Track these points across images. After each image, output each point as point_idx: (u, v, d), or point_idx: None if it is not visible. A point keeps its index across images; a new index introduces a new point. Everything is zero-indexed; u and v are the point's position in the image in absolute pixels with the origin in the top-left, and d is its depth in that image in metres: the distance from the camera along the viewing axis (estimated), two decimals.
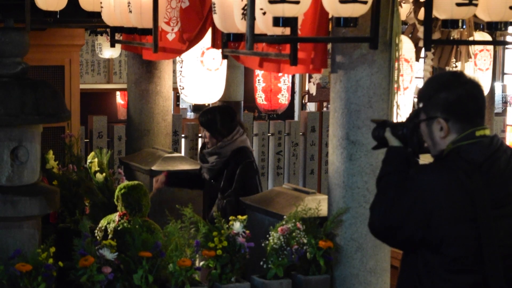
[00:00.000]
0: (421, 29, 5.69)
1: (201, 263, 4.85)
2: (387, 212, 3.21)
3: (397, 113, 4.88)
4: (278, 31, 4.32)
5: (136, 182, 5.39)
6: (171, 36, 6.21)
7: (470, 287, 3.15)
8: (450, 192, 3.12)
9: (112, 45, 6.83)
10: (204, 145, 6.18)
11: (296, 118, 14.67)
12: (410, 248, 3.25)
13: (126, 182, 5.40)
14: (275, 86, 11.09)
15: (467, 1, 4.39)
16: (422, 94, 3.25)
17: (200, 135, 9.70)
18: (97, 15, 6.32)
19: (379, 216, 3.25)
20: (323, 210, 5.11)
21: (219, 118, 5.99)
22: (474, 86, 3.19)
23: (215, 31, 6.09)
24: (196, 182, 6.37)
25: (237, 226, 4.83)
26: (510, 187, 3.19)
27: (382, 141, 3.45)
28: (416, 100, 3.28)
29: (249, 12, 4.24)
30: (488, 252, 3.11)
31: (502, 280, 3.14)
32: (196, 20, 6.02)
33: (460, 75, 3.23)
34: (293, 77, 13.91)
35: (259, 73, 10.97)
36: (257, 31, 4.34)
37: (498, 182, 3.16)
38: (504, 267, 3.15)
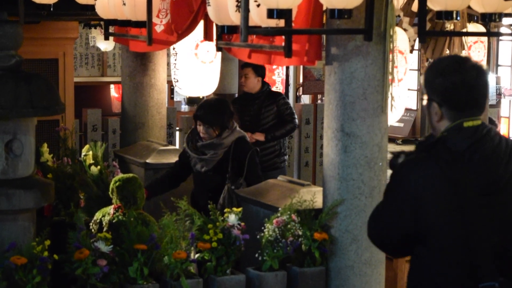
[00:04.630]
0: (405, 19, 5.68)
1: (196, 255, 4.85)
2: (378, 216, 3.25)
3: (391, 105, 4.88)
4: (272, 23, 4.32)
5: (131, 175, 5.39)
6: (159, 28, 6.21)
7: (459, 278, 3.14)
8: (434, 185, 3.11)
9: (106, 38, 6.82)
10: (192, 138, 6.11)
11: None
12: (409, 249, 3.24)
13: (121, 175, 5.39)
14: (270, 79, 11.08)
15: None
16: (425, 76, 3.24)
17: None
18: (91, 8, 6.31)
19: (372, 222, 3.27)
20: (318, 202, 5.11)
21: (224, 111, 5.99)
22: (472, 75, 3.13)
23: (207, 23, 6.08)
24: (176, 181, 6.37)
25: (232, 218, 4.83)
26: (496, 174, 3.16)
27: None
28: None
29: (243, 4, 4.24)
30: (476, 240, 3.11)
31: (492, 268, 3.13)
32: (187, 13, 6.01)
33: (462, 61, 3.17)
34: (287, 69, 13.90)
35: None
36: (251, 23, 4.34)
37: (483, 169, 3.13)
38: (495, 255, 3.14)
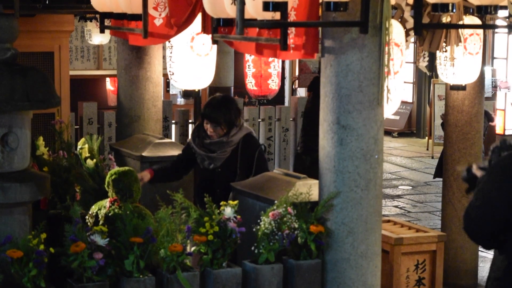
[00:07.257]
0: (407, 9, 5.68)
1: (193, 249, 4.85)
2: (476, 207, 3.58)
3: (387, 97, 4.88)
4: (268, 15, 4.31)
5: (126, 168, 5.38)
6: (158, 22, 6.19)
7: None
8: None
9: (102, 31, 6.80)
10: (198, 134, 6.10)
11: (286, 104, 14.66)
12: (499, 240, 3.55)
13: (116, 168, 5.39)
14: (265, 72, 11.08)
15: None
16: None
17: (191, 122, 9.71)
18: (86, 1, 6.30)
19: (470, 212, 3.60)
20: (314, 195, 5.11)
21: (230, 109, 6.00)
22: None
23: (205, 16, 6.07)
24: (178, 174, 6.38)
25: (228, 211, 4.83)
26: None
27: (474, 181, 3.79)
28: None
29: None
30: None
31: None
32: (185, 6, 6.00)
33: None
34: (283, 62, 13.91)
35: (249, 58, 10.95)
36: (247, 16, 4.33)
37: None
38: None
